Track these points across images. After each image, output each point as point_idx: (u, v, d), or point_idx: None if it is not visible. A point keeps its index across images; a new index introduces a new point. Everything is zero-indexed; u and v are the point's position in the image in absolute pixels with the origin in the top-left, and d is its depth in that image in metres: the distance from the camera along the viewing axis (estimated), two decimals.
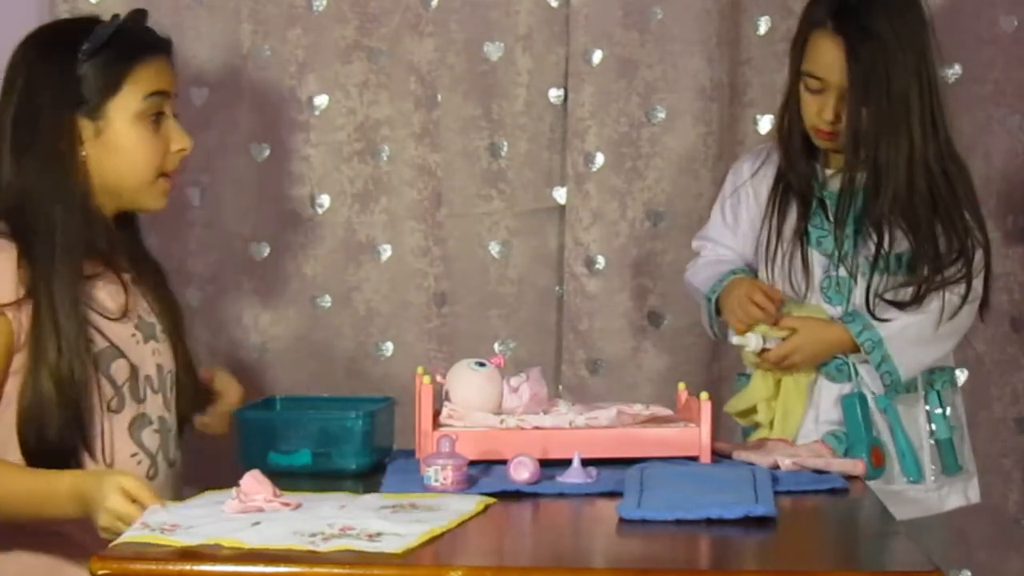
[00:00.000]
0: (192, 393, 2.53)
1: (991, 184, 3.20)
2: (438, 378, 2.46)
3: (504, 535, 2.09)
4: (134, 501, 2.12)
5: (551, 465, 2.31)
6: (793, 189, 2.79)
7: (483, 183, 3.26)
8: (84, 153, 2.38)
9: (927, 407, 2.79)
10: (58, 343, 2.29)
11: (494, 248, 3.27)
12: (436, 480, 2.22)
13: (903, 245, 2.71)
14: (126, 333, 2.39)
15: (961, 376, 3.11)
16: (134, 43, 2.41)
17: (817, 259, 2.77)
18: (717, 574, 1.92)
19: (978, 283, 2.74)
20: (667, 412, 2.51)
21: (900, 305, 2.70)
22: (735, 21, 3.22)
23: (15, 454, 2.30)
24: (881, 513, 2.18)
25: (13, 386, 2.30)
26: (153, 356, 2.43)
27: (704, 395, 2.41)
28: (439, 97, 3.24)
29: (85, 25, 2.42)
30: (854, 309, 2.73)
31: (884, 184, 2.68)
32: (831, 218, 2.76)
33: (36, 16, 3.00)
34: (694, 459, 2.41)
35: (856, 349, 2.72)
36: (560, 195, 3.27)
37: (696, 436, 2.41)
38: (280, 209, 3.26)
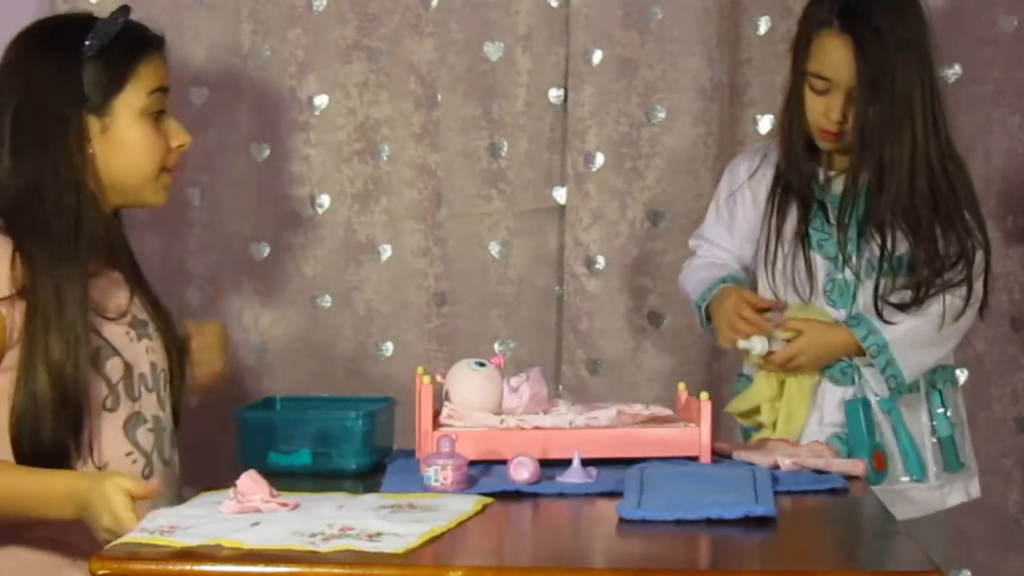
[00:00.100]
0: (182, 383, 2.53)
1: (991, 184, 3.20)
2: (438, 378, 2.45)
3: (504, 535, 2.08)
4: (135, 500, 2.12)
5: (551, 465, 2.31)
6: (793, 191, 2.77)
7: (483, 183, 3.26)
8: (91, 150, 2.38)
9: (929, 406, 2.79)
10: (61, 341, 2.28)
11: (494, 248, 3.27)
12: (436, 480, 2.22)
13: (904, 246, 2.71)
14: (120, 331, 2.39)
15: (961, 376, 3.11)
16: (137, 40, 2.42)
17: (819, 262, 2.77)
18: (717, 574, 1.92)
19: (979, 285, 2.74)
20: (667, 412, 2.51)
21: (903, 307, 2.70)
22: (735, 21, 3.22)
23: (6, 452, 2.29)
24: (881, 513, 2.18)
25: (5, 384, 2.30)
26: (147, 354, 2.43)
27: (704, 395, 2.41)
28: (439, 97, 3.24)
29: (83, 22, 2.42)
30: (859, 312, 2.73)
31: (888, 184, 2.67)
32: (832, 220, 2.75)
33: (37, 15, 2.99)
34: (694, 459, 2.41)
35: (861, 352, 2.72)
36: (560, 195, 3.27)
37: (696, 436, 2.41)
38: (280, 209, 3.26)
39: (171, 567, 1.83)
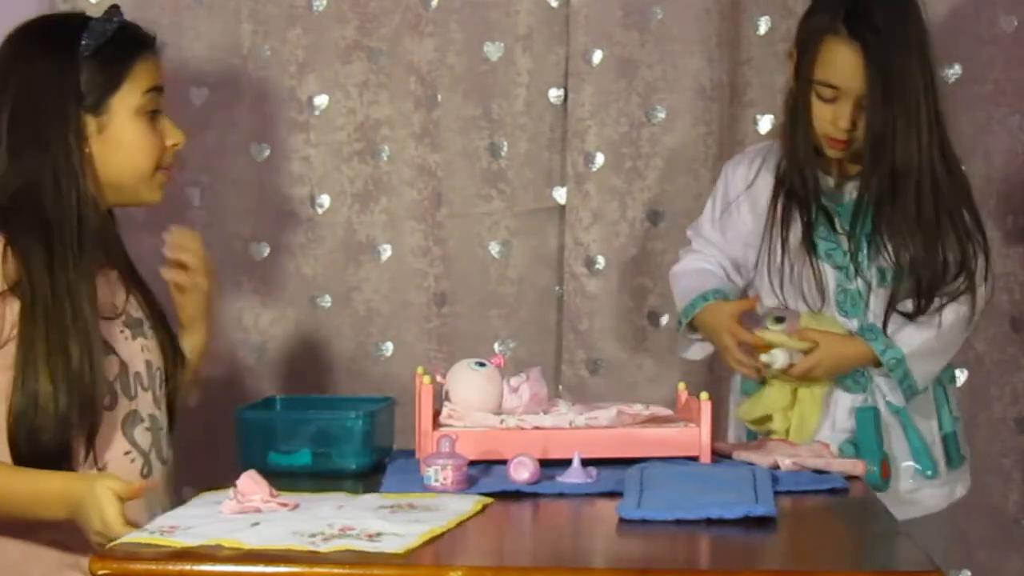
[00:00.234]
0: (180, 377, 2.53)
1: (991, 184, 3.20)
2: (438, 378, 2.45)
3: (504, 535, 2.08)
4: (124, 502, 2.13)
5: (551, 465, 2.31)
6: (798, 200, 2.74)
7: (483, 183, 3.26)
8: (87, 149, 2.39)
9: (935, 404, 2.79)
10: (74, 343, 2.28)
11: (494, 248, 3.27)
12: (436, 480, 2.22)
13: (910, 253, 2.69)
14: (115, 330, 2.40)
15: (961, 376, 3.12)
16: (132, 40, 2.42)
17: (828, 271, 2.75)
18: (717, 574, 1.92)
19: (984, 290, 2.74)
20: (667, 412, 2.50)
21: (911, 316, 2.69)
22: (735, 21, 3.22)
23: (3, 452, 2.29)
24: (881, 513, 2.18)
25: (3, 383, 2.30)
26: (142, 353, 2.43)
27: (704, 395, 2.41)
28: (439, 97, 3.24)
29: (78, 21, 2.42)
30: (873, 324, 2.72)
31: (901, 190, 2.65)
32: (837, 228, 2.73)
33: (37, 14, 2.99)
34: (694, 459, 2.41)
35: (877, 363, 2.71)
36: (560, 195, 3.27)
37: (696, 436, 2.41)
38: (280, 209, 3.26)
39: (171, 567, 1.83)
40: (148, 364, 2.44)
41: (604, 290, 3.23)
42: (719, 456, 2.46)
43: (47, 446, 2.28)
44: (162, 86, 2.46)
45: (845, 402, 2.76)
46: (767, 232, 2.77)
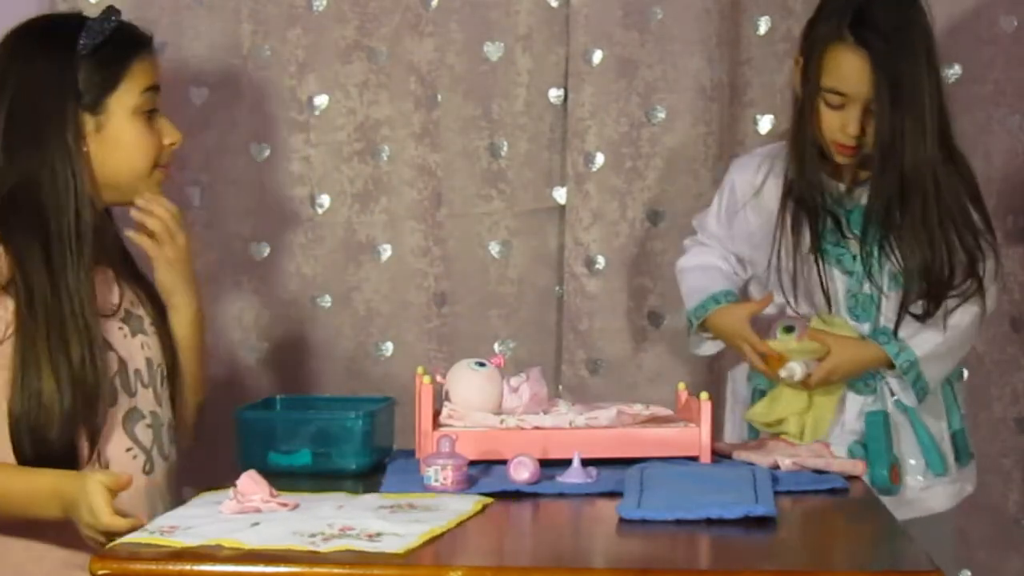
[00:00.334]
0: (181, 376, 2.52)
1: (991, 184, 3.19)
2: (438, 378, 2.46)
3: (504, 535, 2.09)
4: (114, 494, 2.13)
5: (551, 465, 2.31)
6: (806, 206, 2.73)
7: (483, 183, 3.26)
8: (85, 148, 2.39)
9: (944, 403, 2.79)
10: (75, 342, 2.28)
11: (494, 248, 3.27)
12: (436, 480, 2.22)
13: (919, 256, 2.68)
14: (113, 328, 2.40)
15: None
16: (129, 40, 2.43)
17: (838, 276, 2.75)
18: (717, 574, 1.92)
19: (994, 290, 2.74)
20: (667, 412, 2.51)
21: (922, 319, 2.69)
22: (735, 21, 3.22)
23: (6, 452, 2.29)
24: (881, 513, 2.18)
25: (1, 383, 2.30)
26: (142, 350, 2.44)
27: (704, 395, 2.41)
28: (439, 97, 3.24)
29: (75, 21, 2.43)
30: (885, 327, 2.72)
31: (911, 194, 2.65)
32: (846, 233, 2.73)
33: (36, 14, 2.99)
34: (694, 459, 2.41)
35: (890, 366, 2.71)
36: (560, 195, 3.27)
37: (696, 436, 2.42)
38: (280, 209, 3.26)
39: (171, 567, 1.83)
40: (148, 361, 2.44)
41: (604, 290, 3.23)
42: (719, 456, 2.46)
43: (53, 445, 2.28)
44: (159, 85, 2.47)
45: (855, 404, 2.76)
46: (777, 237, 2.76)
